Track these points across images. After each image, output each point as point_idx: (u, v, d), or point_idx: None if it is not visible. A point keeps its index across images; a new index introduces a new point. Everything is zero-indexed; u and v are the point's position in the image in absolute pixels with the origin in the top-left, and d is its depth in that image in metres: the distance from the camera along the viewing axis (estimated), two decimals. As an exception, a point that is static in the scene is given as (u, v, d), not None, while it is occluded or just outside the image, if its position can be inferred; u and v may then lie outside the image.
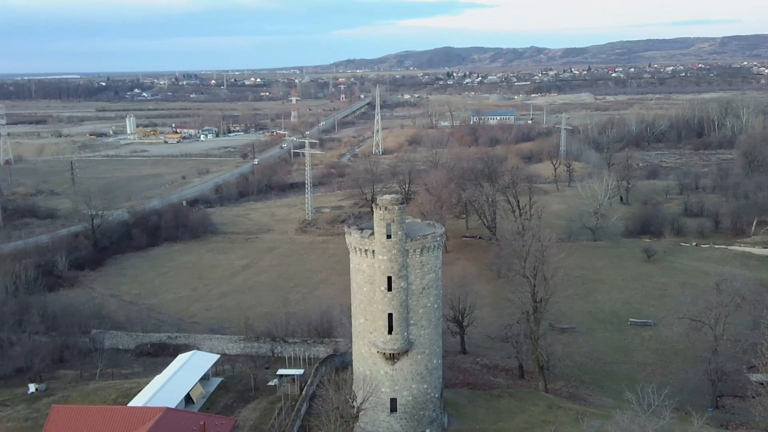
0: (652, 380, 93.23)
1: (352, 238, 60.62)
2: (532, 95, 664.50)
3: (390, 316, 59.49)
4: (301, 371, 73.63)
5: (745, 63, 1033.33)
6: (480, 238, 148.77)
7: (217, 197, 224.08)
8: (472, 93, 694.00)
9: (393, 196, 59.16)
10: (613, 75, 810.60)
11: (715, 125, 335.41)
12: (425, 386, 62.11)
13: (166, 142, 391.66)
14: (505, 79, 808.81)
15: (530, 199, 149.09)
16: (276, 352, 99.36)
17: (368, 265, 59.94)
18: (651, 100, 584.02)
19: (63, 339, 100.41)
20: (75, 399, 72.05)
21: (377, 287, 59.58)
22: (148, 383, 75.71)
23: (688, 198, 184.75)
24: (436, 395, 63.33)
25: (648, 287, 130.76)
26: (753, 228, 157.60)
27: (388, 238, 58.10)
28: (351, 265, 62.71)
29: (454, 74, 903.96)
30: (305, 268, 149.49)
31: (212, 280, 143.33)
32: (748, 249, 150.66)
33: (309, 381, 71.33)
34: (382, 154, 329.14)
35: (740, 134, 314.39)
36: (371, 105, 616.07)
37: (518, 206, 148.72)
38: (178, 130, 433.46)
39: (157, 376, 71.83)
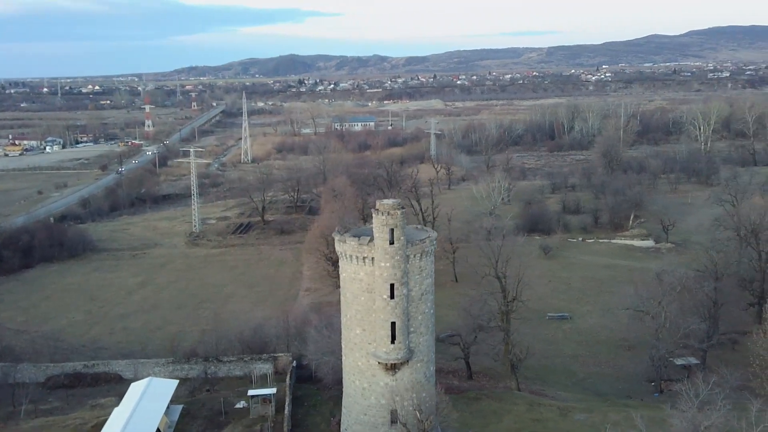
0: (588, 371, 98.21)
1: (348, 245, 58.03)
2: (385, 102, 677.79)
3: (393, 324, 57.51)
4: (273, 390, 69.32)
5: (573, 71, 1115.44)
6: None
7: (86, 212, 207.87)
8: (326, 100, 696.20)
9: (394, 200, 57.34)
10: (458, 82, 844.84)
11: (565, 128, 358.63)
12: (424, 395, 60.63)
13: (6, 155, 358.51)
14: (357, 86, 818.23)
15: (432, 202, 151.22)
16: (209, 373, 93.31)
17: (366, 273, 57.63)
18: (496, 105, 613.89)
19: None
20: (18, 444, 63.32)
21: (377, 295, 57.39)
22: (95, 417, 68.45)
23: (565, 196, 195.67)
24: (433, 403, 62.04)
25: (553, 282, 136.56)
26: (630, 222, 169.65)
27: (390, 244, 56.16)
28: (343, 275, 60.04)
29: (306, 81, 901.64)
30: (208, 283, 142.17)
31: (107, 300, 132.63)
32: (629, 242, 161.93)
33: (287, 400, 67.32)
34: (251, 162, 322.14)
35: (588, 136, 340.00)
36: (225, 113, 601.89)
37: (421, 210, 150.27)
38: (17, 142, 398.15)
39: (116, 409, 64.79)
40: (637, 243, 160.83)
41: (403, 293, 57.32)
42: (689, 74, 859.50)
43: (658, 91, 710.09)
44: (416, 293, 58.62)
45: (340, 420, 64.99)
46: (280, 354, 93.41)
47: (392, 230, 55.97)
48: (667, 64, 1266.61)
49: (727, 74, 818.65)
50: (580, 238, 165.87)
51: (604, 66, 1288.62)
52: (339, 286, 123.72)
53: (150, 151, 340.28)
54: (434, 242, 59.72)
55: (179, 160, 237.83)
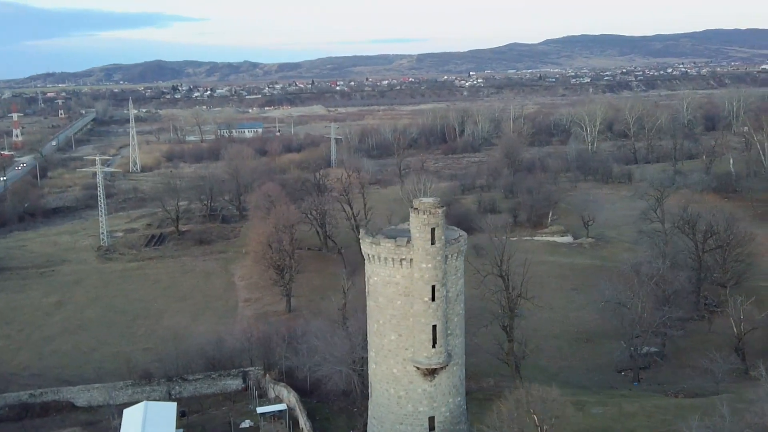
0: (558, 365, 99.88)
1: (383, 247, 55.19)
2: (266, 108, 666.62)
3: (434, 327, 55.33)
4: (284, 406, 64.85)
5: (446, 77, 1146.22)
6: (320, 250, 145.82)
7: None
8: (204, 107, 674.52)
9: (434, 199, 55.27)
10: (338, 88, 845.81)
11: (457, 132, 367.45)
12: (459, 399, 58.97)
13: None
14: (235, 92, 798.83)
15: (365, 206, 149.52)
16: (174, 393, 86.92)
17: (403, 275, 55.11)
18: (378, 111, 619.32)
19: None
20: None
21: (417, 299, 55.00)
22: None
23: (480, 196, 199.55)
24: (465, 406, 60.44)
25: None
26: (549, 219, 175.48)
27: (432, 244, 54.02)
28: (373, 279, 57.08)
29: (180, 88, 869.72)
30: (133, 299, 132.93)
31: (25, 323, 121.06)
32: (550, 238, 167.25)
33: (303, 416, 63.07)
34: (141, 171, 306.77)
35: (479, 139, 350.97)
36: (97, 121, 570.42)
37: (353, 215, 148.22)
38: None
39: (118, 441, 58.28)
40: (558, 239, 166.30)
41: (443, 295, 55.38)
42: (554, 80, 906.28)
43: (527, 96, 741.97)
44: (452, 294, 56.86)
45: (362, 432, 61.99)
46: (248, 368, 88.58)
47: (433, 230, 53.91)
48: (529, 70, 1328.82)
49: (588, 80, 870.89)
50: (504, 237, 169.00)
51: (472, 72, 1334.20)
52: (285, 295, 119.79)
53: (20, 165, 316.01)
54: (467, 241, 58.21)
55: (85, 169, 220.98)
